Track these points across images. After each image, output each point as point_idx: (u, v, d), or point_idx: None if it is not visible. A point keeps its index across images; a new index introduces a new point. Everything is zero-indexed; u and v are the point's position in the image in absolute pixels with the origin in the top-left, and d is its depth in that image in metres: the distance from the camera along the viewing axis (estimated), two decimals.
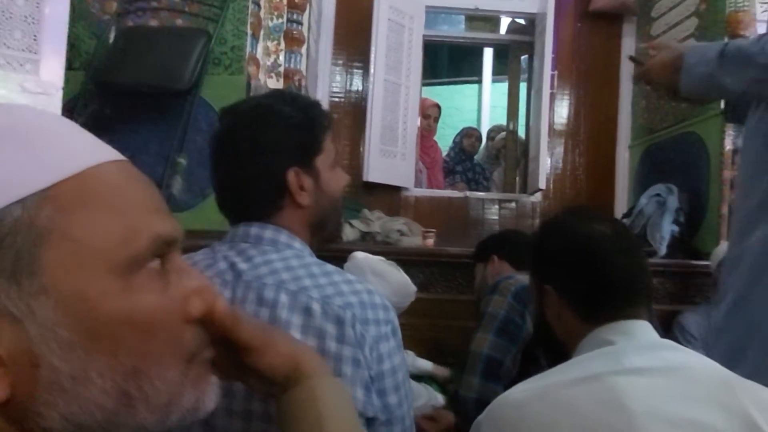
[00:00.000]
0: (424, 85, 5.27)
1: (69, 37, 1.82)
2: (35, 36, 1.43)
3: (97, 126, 1.82)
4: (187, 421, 0.42)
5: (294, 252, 0.77)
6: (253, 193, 0.79)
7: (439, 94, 5.97)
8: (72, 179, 0.37)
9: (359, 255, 1.62)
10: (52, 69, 1.47)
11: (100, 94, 1.78)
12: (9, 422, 0.35)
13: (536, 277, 0.91)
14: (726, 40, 1.59)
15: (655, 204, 2.49)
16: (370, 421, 0.69)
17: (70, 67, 1.81)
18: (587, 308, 0.83)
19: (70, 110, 1.72)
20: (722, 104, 2.15)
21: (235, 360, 0.49)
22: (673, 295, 2.12)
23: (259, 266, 0.73)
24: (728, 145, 2.23)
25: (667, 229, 2.37)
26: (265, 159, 0.78)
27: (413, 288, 1.61)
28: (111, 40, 1.83)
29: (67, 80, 1.68)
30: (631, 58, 1.46)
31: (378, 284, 1.51)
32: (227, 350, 0.48)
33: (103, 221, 0.37)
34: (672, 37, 2.62)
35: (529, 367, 1.28)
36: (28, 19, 1.41)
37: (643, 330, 0.79)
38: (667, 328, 1.96)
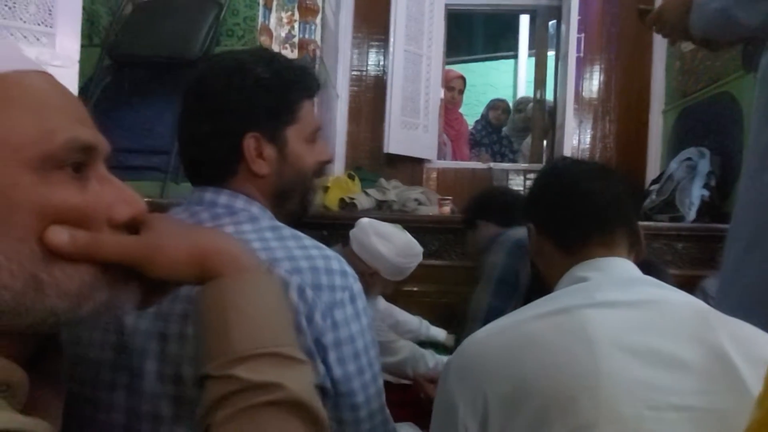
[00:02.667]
0: (456, 62, 5.21)
1: (88, 13, 1.90)
2: (50, 10, 1.50)
3: (114, 97, 1.91)
4: (102, 317, 0.43)
5: (249, 215, 0.73)
6: (207, 153, 0.74)
7: (473, 71, 5.86)
8: None
9: (364, 220, 1.65)
10: (68, 42, 1.54)
11: (116, 66, 1.86)
12: None
13: (526, 220, 0.92)
14: None
15: (685, 168, 2.38)
16: (322, 390, 0.67)
17: (90, 43, 1.90)
18: (561, 234, 0.84)
19: (88, 83, 1.81)
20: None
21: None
22: (698, 260, 2.03)
23: None
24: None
25: (697, 194, 2.27)
26: (223, 119, 0.73)
27: (419, 248, 1.62)
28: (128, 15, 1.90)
29: (87, 56, 1.76)
30: (640, 10, 1.39)
31: (382, 246, 1.54)
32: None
33: (19, 120, 0.39)
34: None
35: None
36: None
37: (619, 265, 0.78)
38: (690, 293, 1.89)
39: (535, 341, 0.67)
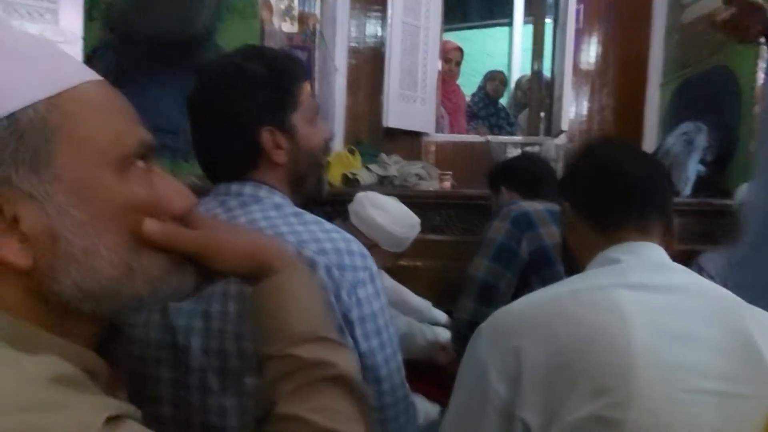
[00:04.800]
0: (452, 30, 5.12)
1: None
2: None
3: (117, 73, 1.88)
4: (172, 300, 0.49)
5: (273, 203, 0.78)
6: (227, 155, 0.79)
7: (469, 38, 5.76)
8: (71, 90, 0.43)
9: (361, 194, 1.68)
10: (71, 18, 1.51)
11: (118, 43, 1.83)
12: (26, 293, 0.42)
13: (560, 197, 0.93)
14: None
15: (682, 143, 2.41)
16: None
17: (89, 17, 1.85)
18: (598, 215, 0.84)
19: (89, 59, 1.78)
20: None
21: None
22: (696, 235, 2.08)
23: (238, 217, 0.75)
24: (761, 80, 2.12)
25: (693, 169, 2.31)
26: (237, 121, 0.77)
27: (416, 219, 1.64)
28: None
29: (87, 31, 1.73)
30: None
31: (379, 216, 1.56)
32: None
33: (99, 125, 0.43)
34: None
35: (523, 292, 1.30)
36: None
37: (652, 250, 0.79)
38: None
39: (571, 316, 0.69)
